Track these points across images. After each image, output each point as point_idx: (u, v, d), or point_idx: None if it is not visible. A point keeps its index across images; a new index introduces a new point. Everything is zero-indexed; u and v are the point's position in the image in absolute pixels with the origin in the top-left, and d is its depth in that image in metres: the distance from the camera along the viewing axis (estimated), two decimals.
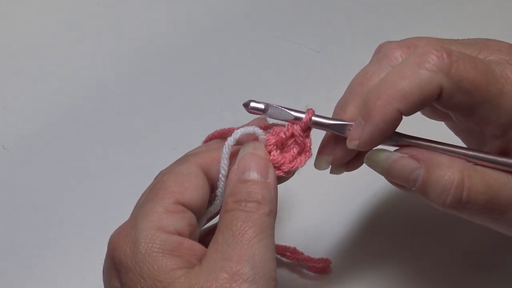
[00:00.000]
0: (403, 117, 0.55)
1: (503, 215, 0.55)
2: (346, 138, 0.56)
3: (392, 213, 0.72)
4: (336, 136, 0.58)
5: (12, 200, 0.75)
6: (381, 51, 0.59)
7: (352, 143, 0.56)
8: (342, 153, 0.58)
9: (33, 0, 0.92)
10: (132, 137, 0.80)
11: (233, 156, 0.56)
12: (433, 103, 0.55)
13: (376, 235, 0.71)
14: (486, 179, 0.55)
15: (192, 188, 0.54)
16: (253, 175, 0.54)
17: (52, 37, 0.89)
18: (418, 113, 0.63)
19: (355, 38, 0.87)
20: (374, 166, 0.57)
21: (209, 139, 0.61)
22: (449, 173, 0.54)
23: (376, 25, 0.88)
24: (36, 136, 0.80)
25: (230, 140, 0.56)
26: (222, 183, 0.56)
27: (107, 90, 0.84)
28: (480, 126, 0.56)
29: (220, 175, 0.56)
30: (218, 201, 0.57)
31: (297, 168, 0.57)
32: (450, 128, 0.65)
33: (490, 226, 0.58)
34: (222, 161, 0.56)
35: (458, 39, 0.59)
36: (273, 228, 0.53)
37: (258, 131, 0.57)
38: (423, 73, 0.53)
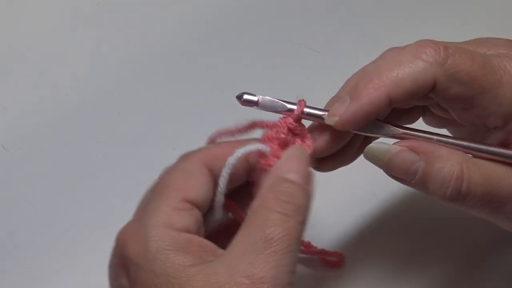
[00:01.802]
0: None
1: (503, 207, 0.56)
2: (333, 129, 0.56)
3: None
4: (322, 126, 0.58)
5: (12, 200, 0.75)
6: (382, 54, 0.59)
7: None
8: (324, 144, 0.58)
9: (33, 0, 0.92)
10: (132, 137, 0.80)
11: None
12: (429, 95, 0.56)
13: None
14: (485, 171, 0.55)
15: (197, 185, 0.54)
16: (297, 177, 0.53)
17: (52, 37, 0.89)
18: (420, 121, 0.63)
19: (355, 38, 0.87)
20: (373, 159, 0.57)
21: (212, 140, 0.61)
22: (449, 165, 0.55)
23: (377, 25, 0.88)
24: (36, 136, 0.80)
25: (232, 160, 0.55)
26: (218, 198, 0.56)
27: (107, 90, 0.84)
28: (480, 118, 0.57)
29: (217, 192, 0.56)
30: (215, 213, 0.56)
31: (312, 150, 0.57)
32: (453, 135, 0.65)
33: (489, 219, 0.58)
34: (220, 179, 0.55)
35: (457, 42, 0.60)
36: (301, 239, 0.52)
37: (261, 146, 0.56)
38: (418, 62, 0.54)
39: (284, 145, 0.57)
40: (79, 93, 0.83)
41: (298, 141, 0.57)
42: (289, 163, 0.54)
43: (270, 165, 0.55)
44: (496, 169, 0.56)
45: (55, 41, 0.88)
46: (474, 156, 0.57)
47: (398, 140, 0.57)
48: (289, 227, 0.50)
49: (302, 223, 0.52)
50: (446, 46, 0.54)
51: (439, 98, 0.56)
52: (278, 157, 0.56)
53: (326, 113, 0.57)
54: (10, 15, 0.91)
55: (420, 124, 0.63)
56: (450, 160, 0.55)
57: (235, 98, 0.57)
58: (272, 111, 0.57)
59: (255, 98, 0.57)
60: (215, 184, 0.56)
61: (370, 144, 0.57)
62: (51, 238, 0.72)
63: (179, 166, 0.56)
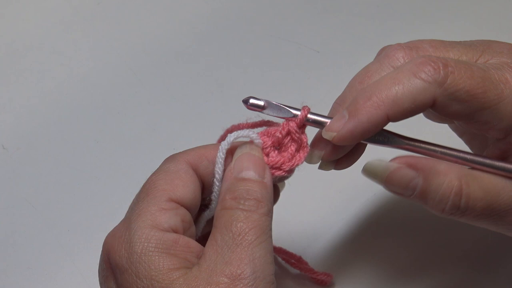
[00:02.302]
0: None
1: (502, 219, 0.56)
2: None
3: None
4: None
5: (12, 200, 0.75)
6: (383, 52, 0.59)
7: (329, 134, 0.55)
8: (335, 150, 0.58)
9: (33, 0, 0.92)
10: (132, 137, 0.80)
11: (227, 157, 0.56)
12: (430, 111, 0.55)
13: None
14: (484, 185, 0.55)
15: (182, 184, 0.54)
16: (251, 174, 0.54)
17: (52, 37, 0.89)
18: (421, 115, 0.63)
19: (355, 38, 0.87)
20: (372, 176, 0.57)
21: (226, 134, 0.61)
22: (447, 181, 0.54)
23: (376, 25, 0.88)
24: (36, 136, 0.80)
25: (224, 144, 0.56)
26: (217, 188, 0.56)
27: (107, 90, 0.84)
28: (481, 130, 0.56)
29: (215, 179, 0.56)
30: (213, 205, 0.56)
31: (297, 165, 0.57)
32: (454, 130, 0.65)
33: (490, 228, 0.58)
34: (216, 165, 0.56)
35: (460, 41, 0.59)
36: (271, 229, 0.53)
37: (253, 135, 0.57)
38: (417, 82, 0.54)
39: (278, 145, 0.57)
40: (79, 93, 0.84)
41: (293, 148, 0.57)
42: (240, 162, 0.55)
43: None
44: (496, 182, 0.56)
45: (55, 41, 0.88)
46: (474, 168, 0.56)
47: (396, 157, 0.57)
48: (254, 221, 0.51)
49: (266, 215, 0.52)
50: (445, 63, 0.54)
51: (438, 114, 0.56)
52: (265, 154, 0.57)
53: (329, 119, 0.57)
54: (10, 15, 0.91)
55: (421, 120, 0.63)
56: (448, 175, 0.55)
57: (242, 102, 0.57)
58: (277, 116, 0.57)
59: (261, 103, 0.57)
60: (203, 184, 0.56)
61: (369, 161, 0.57)
62: (51, 238, 0.72)
63: (164, 167, 0.56)
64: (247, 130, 0.57)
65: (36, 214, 0.74)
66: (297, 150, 0.57)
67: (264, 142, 0.57)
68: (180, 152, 0.57)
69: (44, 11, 0.91)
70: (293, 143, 0.57)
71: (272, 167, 0.56)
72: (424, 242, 0.70)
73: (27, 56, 0.87)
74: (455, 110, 0.54)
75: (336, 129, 0.55)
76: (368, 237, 0.71)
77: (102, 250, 0.54)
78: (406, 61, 0.57)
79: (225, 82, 0.84)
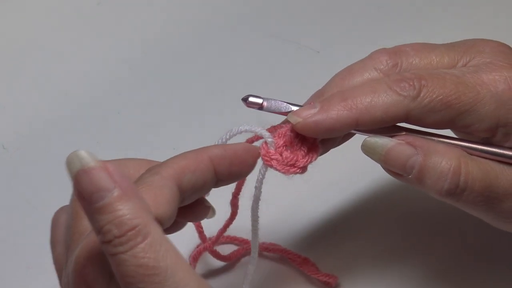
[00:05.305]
0: None
1: (499, 204, 0.56)
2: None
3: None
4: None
5: (12, 200, 0.75)
6: (369, 54, 0.60)
7: (294, 118, 0.56)
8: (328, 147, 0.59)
9: (33, 0, 0.92)
10: (132, 137, 0.80)
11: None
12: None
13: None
14: (483, 166, 0.56)
15: (165, 202, 0.50)
16: (106, 194, 0.46)
17: (52, 37, 0.89)
18: None
19: (355, 38, 0.87)
20: (370, 152, 0.57)
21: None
22: (446, 159, 0.55)
23: (376, 25, 0.88)
24: (36, 136, 0.80)
25: (234, 130, 0.56)
26: None
27: (107, 90, 0.84)
28: (467, 134, 0.57)
29: None
30: None
31: (310, 162, 0.57)
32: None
33: (486, 218, 0.58)
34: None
35: (443, 43, 0.60)
36: (168, 248, 0.45)
37: (265, 133, 0.57)
38: (391, 94, 0.55)
39: (290, 145, 0.57)
40: (79, 93, 0.84)
41: (305, 145, 0.57)
42: (84, 187, 0.49)
43: (269, 157, 0.56)
44: (493, 165, 0.56)
45: (55, 41, 0.88)
46: (471, 154, 0.57)
47: (394, 134, 0.57)
48: (143, 262, 0.45)
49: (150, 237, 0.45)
50: (419, 77, 0.55)
51: (415, 125, 0.57)
52: (279, 153, 0.56)
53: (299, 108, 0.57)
54: (10, 15, 0.91)
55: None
56: (447, 154, 0.55)
57: (241, 100, 0.58)
58: (278, 113, 0.58)
59: (259, 101, 0.58)
60: (183, 199, 0.53)
61: (368, 138, 0.57)
62: None
63: (147, 180, 0.51)
64: (259, 128, 0.57)
65: (36, 214, 0.74)
66: (309, 148, 0.57)
67: (276, 142, 0.57)
68: (162, 165, 0.53)
69: (44, 11, 0.91)
70: (304, 141, 0.57)
71: (286, 165, 0.57)
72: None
73: (27, 56, 0.87)
74: (433, 121, 0.55)
75: (304, 116, 0.55)
76: (374, 237, 0.71)
77: None
78: (389, 63, 0.58)
79: (225, 82, 0.84)
